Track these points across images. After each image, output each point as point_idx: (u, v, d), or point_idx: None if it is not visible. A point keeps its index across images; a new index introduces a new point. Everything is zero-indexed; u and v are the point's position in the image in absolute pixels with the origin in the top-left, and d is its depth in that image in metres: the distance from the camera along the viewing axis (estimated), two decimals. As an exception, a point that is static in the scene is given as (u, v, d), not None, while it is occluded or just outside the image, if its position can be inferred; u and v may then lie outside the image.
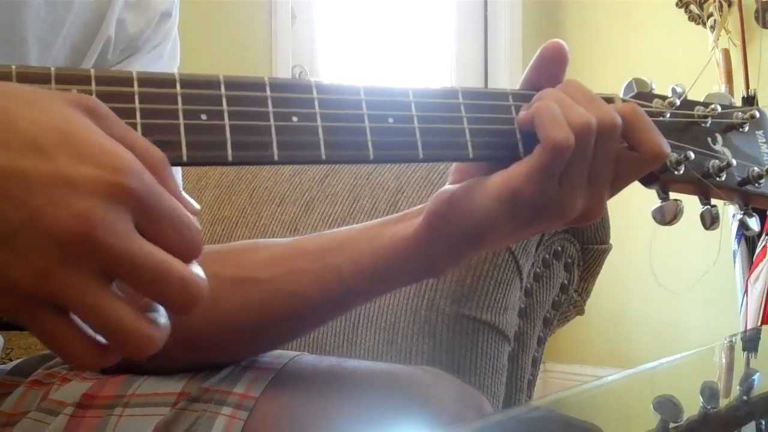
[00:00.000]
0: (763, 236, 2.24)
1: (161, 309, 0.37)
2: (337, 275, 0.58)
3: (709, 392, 0.64)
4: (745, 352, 0.87)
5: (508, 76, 2.87)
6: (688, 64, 2.44)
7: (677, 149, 0.59)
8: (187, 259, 0.37)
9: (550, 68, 0.56)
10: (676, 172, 0.59)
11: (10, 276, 0.34)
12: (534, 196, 0.52)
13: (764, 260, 2.22)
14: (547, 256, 0.97)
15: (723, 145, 0.62)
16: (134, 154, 0.36)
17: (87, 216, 0.33)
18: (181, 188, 0.39)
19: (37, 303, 0.34)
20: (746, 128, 0.64)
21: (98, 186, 0.34)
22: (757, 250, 2.27)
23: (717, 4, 2.64)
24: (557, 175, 0.52)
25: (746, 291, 2.27)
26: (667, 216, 0.59)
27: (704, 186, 0.60)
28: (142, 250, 0.35)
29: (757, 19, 2.65)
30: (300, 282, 0.59)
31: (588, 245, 1.01)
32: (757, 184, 0.62)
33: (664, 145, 0.55)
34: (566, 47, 0.56)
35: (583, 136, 0.51)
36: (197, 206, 0.39)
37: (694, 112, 0.62)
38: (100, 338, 0.36)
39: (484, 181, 0.53)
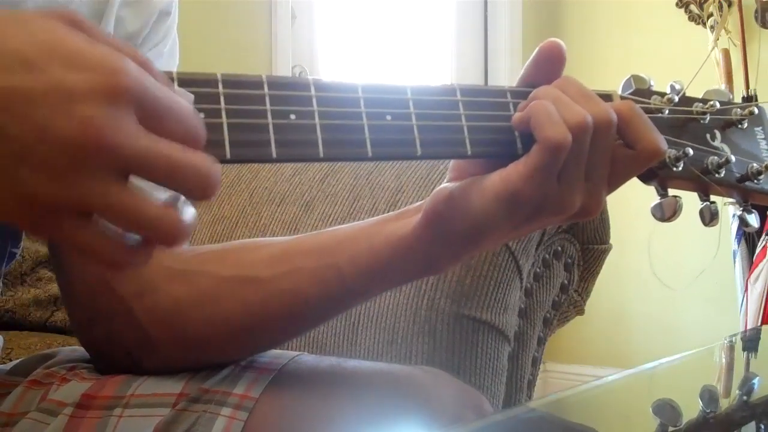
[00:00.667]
0: (763, 236, 2.24)
1: (183, 198, 0.38)
2: (337, 274, 0.58)
3: (708, 396, 0.64)
4: (745, 353, 0.87)
5: (508, 76, 2.87)
6: (688, 64, 2.43)
7: (676, 146, 0.59)
8: (193, 146, 0.38)
9: (547, 67, 0.56)
10: (674, 169, 0.59)
11: (29, 191, 0.34)
12: (533, 195, 0.52)
13: (764, 260, 2.22)
14: (547, 256, 0.97)
15: (722, 142, 0.62)
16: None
17: (92, 121, 0.34)
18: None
19: (60, 213, 0.35)
20: (745, 125, 0.64)
21: (96, 90, 0.34)
22: (757, 250, 2.27)
23: (717, 4, 2.64)
24: (555, 173, 0.51)
25: (746, 291, 2.27)
26: (666, 212, 0.59)
27: (703, 182, 0.60)
28: (150, 144, 0.36)
29: (757, 19, 2.65)
30: (300, 281, 0.59)
31: (588, 245, 1.01)
32: (756, 181, 0.62)
33: (661, 142, 0.55)
34: (564, 46, 0.56)
35: (580, 134, 0.51)
36: (191, 95, 0.40)
37: (693, 109, 0.62)
38: (129, 236, 0.37)
39: (483, 180, 0.53)
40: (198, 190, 0.37)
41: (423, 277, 0.64)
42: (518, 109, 0.54)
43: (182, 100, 0.38)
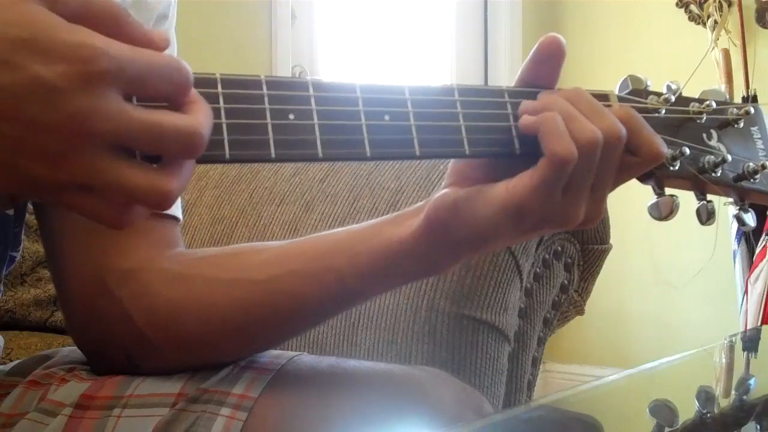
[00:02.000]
0: (763, 236, 2.24)
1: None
2: (336, 276, 0.58)
3: (705, 396, 0.64)
4: (745, 353, 0.87)
5: (508, 76, 2.87)
6: (688, 64, 2.43)
7: (672, 145, 0.59)
8: (183, 95, 0.40)
9: (547, 64, 0.56)
10: (671, 168, 0.59)
11: (30, 174, 0.37)
12: (538, 208, 0.52)
13: (764, 260, 2.22)
14: (547, 256, 0.97)
15: (718, 141, 0.63)
16: (91, 17, 0.37)
17: (77, 114, 0.36)
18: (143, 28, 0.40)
19: (61, 188, 0.38)
20: (741, 124, 0.64)
21: (75, 81, 0.35)
22: (757, 250, 2.27)
23: (717, 4, 2.64)
24: (561, 186, 0.52)
25: (746, 291, 2.27)
26: (663, 211, 0.60)
27: (700, 181, 0.60)
28: (132, 120, 0.37)
29: (757, 19, 2.65)
30: (297, 283, 0.59)
31: (588, 245, 1.01)
32: (752, 180, 0.62)
33: (662, 146, 0.56)
34: (563, 41, 0.56)
35: (590, 150, 0.52)
36: (165, 36, 0.41)
37: (689, 109, 0.62)
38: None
39: (488, 190, 0.53)
40: (183, 152, 0.39)
41: (423, 278, 0.65)
42: (525, 110, 0.54)
43: (159, 56, 0.39)
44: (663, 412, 0.59)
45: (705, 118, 0.62)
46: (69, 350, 0.69)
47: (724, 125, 0.64)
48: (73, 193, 0.39)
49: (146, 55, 0.38)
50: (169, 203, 0.40)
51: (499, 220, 0.53)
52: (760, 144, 0.65)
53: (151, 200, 0.39)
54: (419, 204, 0.57)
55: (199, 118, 0.40)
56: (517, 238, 0.56)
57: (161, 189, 0.39)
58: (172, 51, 0.71)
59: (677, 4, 2.79)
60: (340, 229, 0.60)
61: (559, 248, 0.99)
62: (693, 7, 2.76)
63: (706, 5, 2.70)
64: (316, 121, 0.47)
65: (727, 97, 0.66)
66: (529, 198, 0.51)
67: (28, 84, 0.35)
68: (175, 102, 0.40)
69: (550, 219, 0.53)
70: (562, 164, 0.51)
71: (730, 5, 2.65)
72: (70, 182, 0.38)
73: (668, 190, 0.61)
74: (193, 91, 0.40)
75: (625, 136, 0.54)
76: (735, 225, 2.41)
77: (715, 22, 2.64)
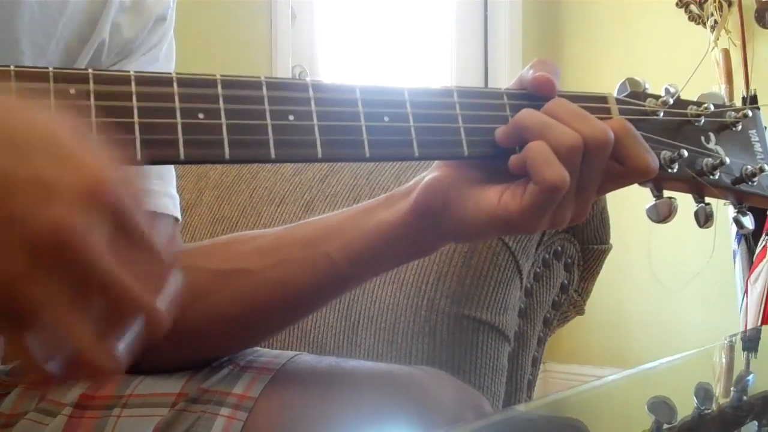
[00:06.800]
0: (763, 236, 2.24)
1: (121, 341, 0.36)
2: (328, 262, 0.58)
3: (704, 393, 0.64)
4: (745, 352, 0.87)
5: (508, 77, 2.86)
6: (688, 64, 2.43)
7: (670, 147, 0.59)
8: (152, 281, 0.36)
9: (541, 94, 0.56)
10: (669, 170, 0.59)
11: None
12: (526, 225, 0.53)
13: (764, 260, 2.22)
14: (547, 256, 0.97)
15: (716, 144, 0.63)
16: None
17: (64, 224, 0.33)
18: (174, 190, 0.38)
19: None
20: (739, 127, 0.64)
21: (75, 192, 0.33)
22: (757, 250, 2.27)
23: (717, 4, 2.64)
24: (552, 209, 0.52)
25: (746, 291, 2.27)
26: (661, 213, 0.60)
27: (698, 184, 0.61)
28: (112, 266, 0.34)
29: (757, 19, 2.65)
30: (291, 270, 0.59)
31: (588, 245, 1.01)
32: (750, 183, 0.62)
33: (652, 161, 0.55)
34: (555, 82, 0.55)
35: (570, 156, 0.52)
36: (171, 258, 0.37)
37: (687, 111, 0.62)
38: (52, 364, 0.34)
39: (480, 197, 0.54)
40: (139, 331, 0.36)
41: (414, 260, 0.65)
42: (503, 135, 0.54)
43: (156, 237, 0.36)
44: (661, 409, 0.59)
45: (703, 120, 0.63)
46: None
47: (723, 128, 0.64)
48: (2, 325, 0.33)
49: (147, 224, 0.36)
50: (98, 377, 0.36)
51: (487, 227, 0.54)
52: (758, 147, 0.65)
53: (85, 365, 0.34)
54: (410, 184, 0.58)
55: (165, 316, 0.36)
56: (502, 238, 0.57)
57: (101, 359, 0.34)
58: (170, 52, 0.71)
59: (677, 4, 2.79)
60: (331, 213, 0.61)
61: (559, 248, 0.99)
62: (693, 7, 2.76)
63: (706, 5, 2.70)
64: (315, 122, 0.47)
65: (726, 100, 0.66)
66: (518, 216, 0.52)
67: (29, 178, 0.33)
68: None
69: (536, 229, 0.54)
70: (554, 191, 0.51)
71: (730, 5, 2.65)
72: (9, 305, 0.33)
73: (667, 193, 0.61)
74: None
75: (612, 140, 0.53)
76: (734, 225, 2.41)
77: (715, 22, 2.63)
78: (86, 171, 0.34)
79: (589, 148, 0.52)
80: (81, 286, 0.34)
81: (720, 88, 2.49)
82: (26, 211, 0.32)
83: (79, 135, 0.35)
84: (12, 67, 0.41)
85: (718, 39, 2.60)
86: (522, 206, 0.52)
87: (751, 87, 2.50)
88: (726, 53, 2.55)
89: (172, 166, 0.66)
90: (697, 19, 2.75)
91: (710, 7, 2.67)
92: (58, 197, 0.33)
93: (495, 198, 0.53)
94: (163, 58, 0.69)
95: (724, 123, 0.64)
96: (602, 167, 0.54)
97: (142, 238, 0.35)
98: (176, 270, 0.38)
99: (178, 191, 0.67)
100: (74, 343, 0.34)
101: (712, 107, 0.63)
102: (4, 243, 0.32)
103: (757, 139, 0.65)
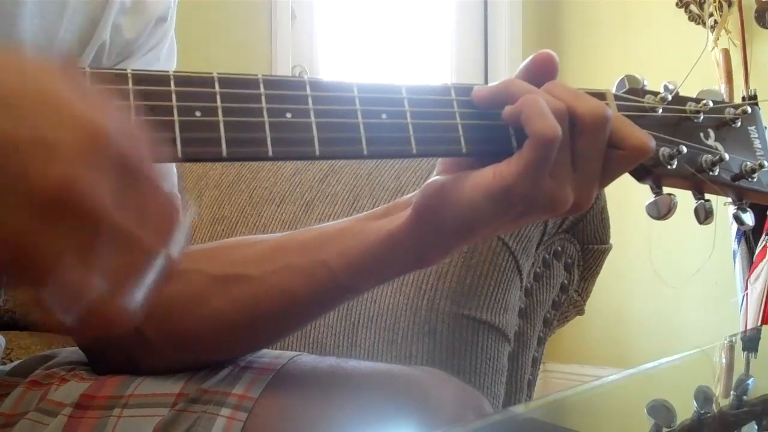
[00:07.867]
0: (763, 236, 2.24)
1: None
2: (327, 270, 0.58)
3: (703, 396, 0.64)
4: (745, 353, 0.87)
5: (508, 76, 2.86)
6: (687, 64, 2.43)
7: (669, 144, 0.59)
8: (162, 228, 0.36)
9: (539, 75, 0.56)
10: (668, 167, 0.59)
11: None
12: (525, 192, 0.52)
13: (764, 260, 2.22)
14: (547, 256, 0.97)
15: (715, 140, 0.63)
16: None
17: (68, 181, 0.33)
18: (175, 185, 0.38)
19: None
20: (738, 124, 0.64)
21: (78, 150, 0.33)
22: (757, 250, 2.27)
23: (717, 4, 2.64)
24: (548, 169, 0.51)
25: (746, 291, 2.27)
26: (661, 210, 0.60)
27: (697, 180, 0.61)
28: (120, 217, 0.34)
29: (757, 19, 2.65)
30: (290, 278, 0.59)
31: (588, 245, 1.01)
32: (750, 179, 0.62)
33: (648, 139, 0.55)
34: (557, 60, 0.56)
35: (560, 123, 0.51)
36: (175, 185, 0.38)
37: (686, 108, 0.63)
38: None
39: (475, 174, 0.53)
40: (157, 280, 0.36)
41: (413, 270, 0.65)
42: (491, 91, 0.54)
43: (160, 182, 0.36)
44: (661, 412, 0.59)
45: (702, 117, 0.63)
46: (71, 351, 0.69)
47: (722, 125, 0.64)
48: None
49: (153, 170, 0.36)
50: (108, 331, 0.36)
51: (486, 205, 0.52)
52: (757, 143, 0.65)
53: (94, 321, 0.35)
54: (410, 195, 0.57)
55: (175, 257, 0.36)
56: (505, 225, 0.55)
57: (113, 310, 0.35)
58: (171, 52, 0.71)
59: (677, 4, 2.79)
60: (330, 222, 0.60)
61: (559, 248, 0.99)
62: (693, 7, 2.76)
63: (706, 5, 2.70)
64: (313, 119, 0.47)
65: (725, 96, 0.66)
66: (516, 182, 0.51)
67: (31, 139, 0.33)
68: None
69: (537, 204, 0.53)
70: (547, 143, 0.50)
71: (730, 5, 2.65)
72: (20, 260, 0.33)
73: (666, 189, 0.61)
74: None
75: (611, 117, 0.53)
76: (735, 225, 2.41)
77: (715, 21, 2.64)
78: (85, 125, 0.34)
79: (586, 124, 0.52)
80: (91, 239, 0.34)
81: (720, 88, 2.49)
82: (30, 172, 0.33)
83: (73, 87, 0.35)
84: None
85: (718, 39, 2.61)
86: (518, 167, 0.51)
87: (751, 87, 2.50)
88: (726, 53, 2.55)
89: (173, 166, 0.66)
90: (697, 19, 2.75)
91: (710, 7, 2.67)
92: (59, 155, 0.33)
93: (489, 173, 0.52)
94: (164, 58, 0.69)
95: (723, 120, 0.64)
96: (602, 143, 0.54)
97: (149, 184, 0.36)
98: (187, 208, 0.38)
99: (177, 191, 0.67)
100: (88, 296, 0.34)
101: (711, 104, 0.63)
102: (11, 204, 0.32)
103: (756, 135, 0.65)
